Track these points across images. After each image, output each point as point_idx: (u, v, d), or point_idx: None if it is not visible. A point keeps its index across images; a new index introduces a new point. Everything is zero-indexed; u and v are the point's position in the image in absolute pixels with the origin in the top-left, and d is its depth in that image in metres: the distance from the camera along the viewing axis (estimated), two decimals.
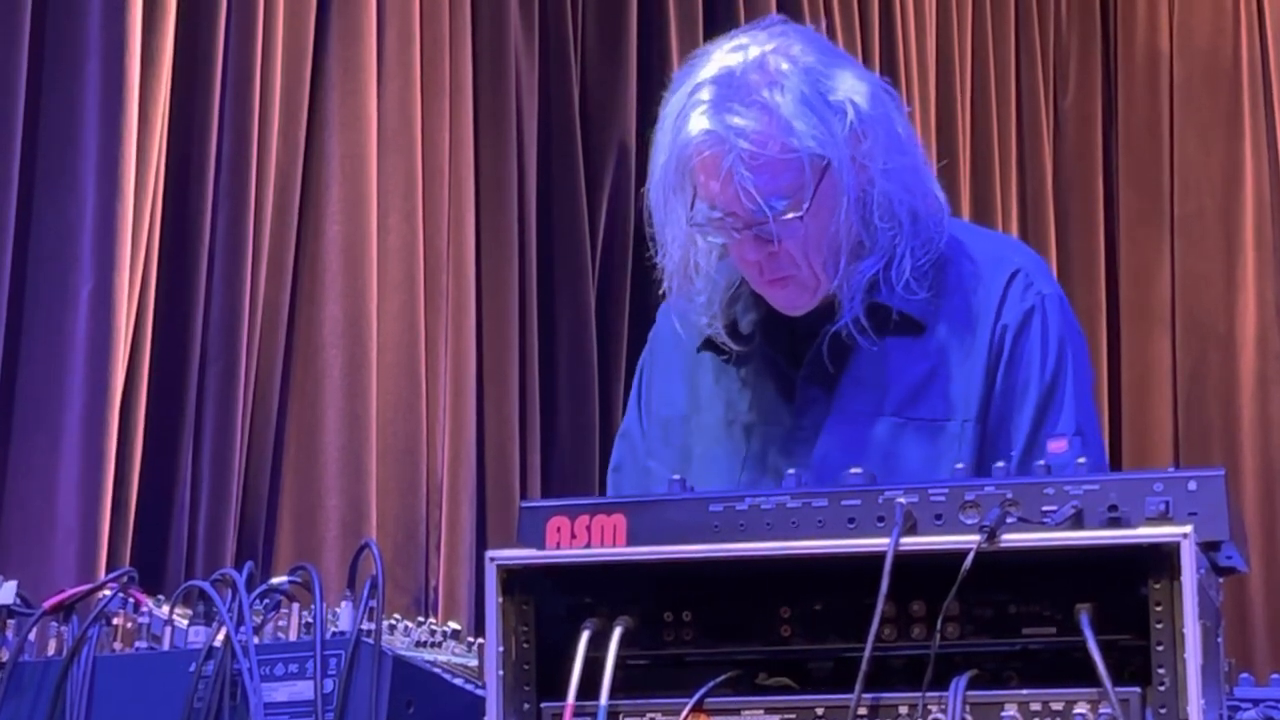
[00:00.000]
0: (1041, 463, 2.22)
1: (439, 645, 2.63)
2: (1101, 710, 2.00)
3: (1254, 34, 6.84)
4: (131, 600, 2.49)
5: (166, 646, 2.45)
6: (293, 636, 2.42)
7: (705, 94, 2.60)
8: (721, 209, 2.62)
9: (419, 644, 2.62)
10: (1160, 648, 2.01)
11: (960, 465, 2.37)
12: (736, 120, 2.58)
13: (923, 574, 2.06)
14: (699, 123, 2.60)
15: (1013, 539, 2.03)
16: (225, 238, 4.33)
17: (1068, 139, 6.94)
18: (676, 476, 2.25)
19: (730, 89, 2.59)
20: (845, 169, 2.61)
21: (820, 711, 2.08)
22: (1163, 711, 2.00)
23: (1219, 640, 2.13)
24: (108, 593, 2.49)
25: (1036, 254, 2.91)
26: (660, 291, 2.83)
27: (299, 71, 4.55)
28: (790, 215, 2.60)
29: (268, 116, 4.45)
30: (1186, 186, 6.84)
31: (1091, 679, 2.00)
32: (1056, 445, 2.22)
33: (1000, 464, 2.17)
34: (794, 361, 2.75)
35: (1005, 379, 2.69)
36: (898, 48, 6.18)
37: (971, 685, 2.04)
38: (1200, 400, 6.70)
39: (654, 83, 5.30)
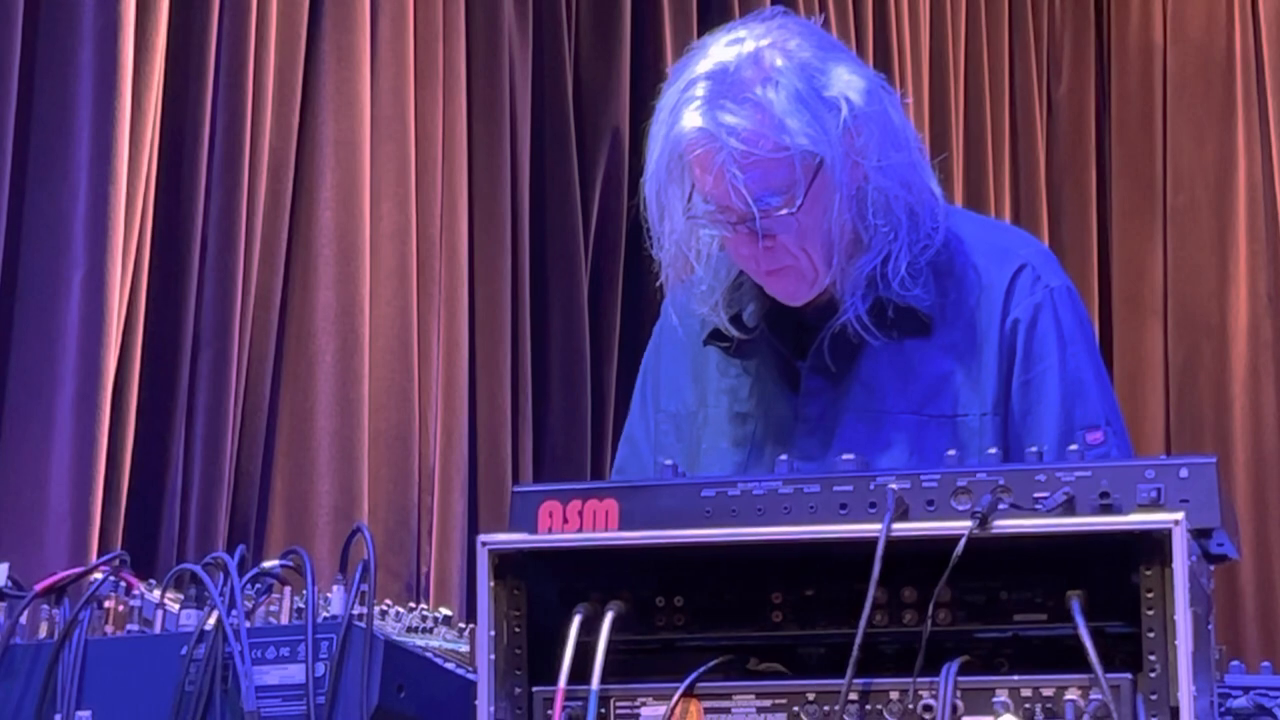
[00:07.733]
0: (1035, 449, 2.22)
1: (430, 631, 2.63)
2: (1092, 696, 2.00)
3: (1247, 26, 6.83)
4: (123, 583, 2.49)
5: (158, 630, 2.45)
6: (284, 620, 2.42)
7: (699, 90, 2.59)
8: (715, 203, 2.61)
9: (410, 629, 2.62)
10: (1151, 635, 2.01)
11: (952, 452, 2.37)
12: (728, 118, 2.57)
13: (914, 560, 2.06)
14: (692, 119, 2.59)
15: (1004, 525, 2.03)
16: (218, 223, 4.32)
17: (1061, 130, 6.94)
18: (669, 461, 2.25)
19: (724, 85, 2.58)
20: (839, 166, 2.60)
21: (811, 696, 2.08)
22: (1154, 698, 2.00)
23: (1210, 627, 2.13)
24: (99, 576, 2.49)
25: (1043, 245, 2.90)
26: (658, 283, 2.83)
27: (292, 57, 4.55)
28: (783, 211, 2.59)
29: (261, 102, 4.44)
30: (1179, 178, 6.84)
31: (1083, 665, 2.00)
32: (1094, 436, 2.22)
33: (993, 450, 2.17)
34: (799, 353, 2.73)
35: (1023, 373, 2.67)
36: (891, 37, 6.18)
37: (962, 671, 2.04)
38: (1192, 391, 6.70)
39: (648, 70, 5.30)
